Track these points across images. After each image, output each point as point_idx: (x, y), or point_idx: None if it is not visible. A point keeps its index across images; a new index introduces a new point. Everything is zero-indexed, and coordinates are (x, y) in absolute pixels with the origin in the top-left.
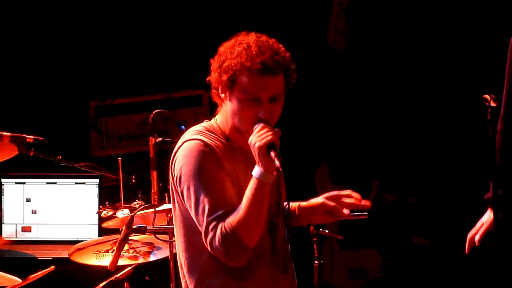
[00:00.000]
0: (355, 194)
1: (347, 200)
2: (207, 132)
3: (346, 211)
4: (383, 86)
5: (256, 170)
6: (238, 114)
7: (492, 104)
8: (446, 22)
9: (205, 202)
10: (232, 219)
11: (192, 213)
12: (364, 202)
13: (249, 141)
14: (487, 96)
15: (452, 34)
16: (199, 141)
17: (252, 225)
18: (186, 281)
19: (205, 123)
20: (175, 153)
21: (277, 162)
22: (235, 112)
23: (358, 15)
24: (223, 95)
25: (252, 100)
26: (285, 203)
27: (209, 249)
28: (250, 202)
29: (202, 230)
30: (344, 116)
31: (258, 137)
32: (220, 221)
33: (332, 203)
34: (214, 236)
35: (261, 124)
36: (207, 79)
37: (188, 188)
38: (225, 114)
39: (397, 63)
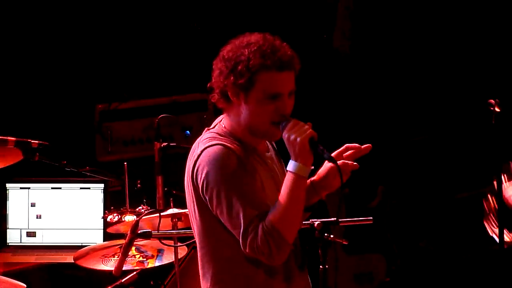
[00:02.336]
0: (352, 145)
1: (348, 153)
2: (221, 137)
3: (353, 163)
4: (386, 90)
5: (294, 165)
6: (258, 113)
7: (497, 109)
8: (451, 27)
9: (238, 205)
10: (272, 217)
11: (225, 218)
12: (365, 147)
13: (285, 136)
14: (492, 101)
15: (456, 41)
16: (220, 146)
17: (292, 220)
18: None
19: (215, 130)
20: (196, 162)
21: (327, 154)
22: (254, 111)
23: (363, 18)
24: (235, 98)
25: (272, 97)
26: None
27: (248, 251)
28: (289, 197)
29: (240, 233)
30: (348, 119)
31: (296, 131)
32: (259, 222)
33: (337, 163)
34: (255, 236)
35: (294, 119)
36: (209, 85)
37: (218, 194)
38: (235, 117)
39: (403, 69)
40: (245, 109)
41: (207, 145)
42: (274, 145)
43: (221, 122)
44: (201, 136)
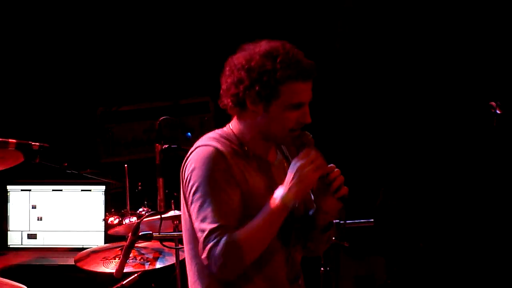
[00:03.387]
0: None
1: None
2: (221, 139)
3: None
4: (387, 92)
5: (284, 194)
6: (279, 121)
7: (498, 111)
8: (452, 28)
9: (209, 210)
10: (241, 234)
11: (194, 217)
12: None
13: (295, 163)
14: (493, 103)
15: (457, 42)
16: (212, 148)
17: (260, 245)
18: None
19: (220, 130)
20: (187, 157)
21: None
22: (275, 120)
23: (363, 19)
24: (253, 106)
25: (295, 106)
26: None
27: (204, 257)
28: (265, 222)
29: (202, 237)
30: (350, 122)
31: (308, 165)
32: (224, 232)
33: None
34: (216, 244)
35: (317, 154)
36: (221, 92)
37: (194, 193)
38: (248, 123)
39: (403, 71)
40: (264, 116)
41: (201, 143)
42: (285, 150)
43: (230, 125)
44: (207, 134)
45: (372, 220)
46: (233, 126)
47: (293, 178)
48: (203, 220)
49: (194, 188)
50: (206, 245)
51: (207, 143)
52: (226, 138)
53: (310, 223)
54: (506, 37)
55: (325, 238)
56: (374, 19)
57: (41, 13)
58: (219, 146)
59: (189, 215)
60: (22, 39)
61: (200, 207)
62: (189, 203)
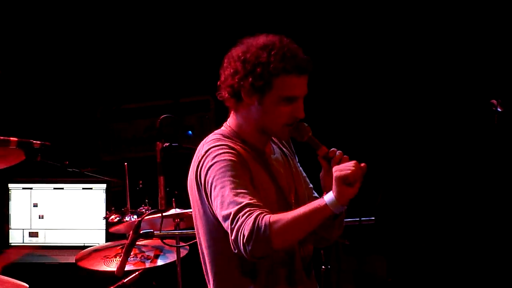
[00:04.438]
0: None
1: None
2: (226, 138)
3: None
4: (386, 90)
5: (331, 198)
6: (272, 114)
7: (499, 109)
8: (453, 26)
9: (231, 195)
10: (277, 217)
11: (218, 210)
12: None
13: (335, 172)
14: (495, 101)
15: (457, 40)
16: (224, 146)
17: (291, 235)
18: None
19: (219, 131)
20: (200, 161)
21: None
22: (268, 112)
23: (365, 15)
24: (248, 98)
25: (288, 100)
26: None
27: (231, 236)
28: (305, 215)
29: (229, 219)
30: (351, 118)
31: (348, 169)
32: (252, 208)
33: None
34: (245, 221)
35: (339, 151)
36: (219, 83)
37: (215, 188)
38: (244, 116)
39: (404, 69)
40: (258, 109)
41: (211, 145)
42: (284, 145)
43: (227, 122)
44: (207, 137)
45: (373, 218)
46: (230, 122)
47: (336, 188)
48: (226, 207)
49: (214, 185)
50: (235, 225)
51: (215, 144)
52: (227, 137)
53: None
54: (507, 34)
55: (337, 224)
56: (374, 16)
57: (44, 13)
58: (228, 144)
59: (207, 218)
60: (24, 37)
61: (222, 197)
62: (212, 200)
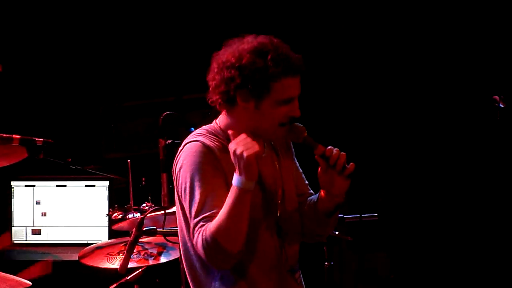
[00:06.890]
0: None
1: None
2: (209, 134)
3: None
4: (387, 88)
5: (238, 179)
6: (270, 116)
7: (502, 105)
8: (455, 23)
9: (195, 204)
10: (212, 226)
11: (187, 213)
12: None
13: (231, 148)
14: (497, 97)
15: (459, 36)
16: (198, 142)
17: (233, 233)
18: (193, 285)
19: (207, 126)
20: (176, 156)
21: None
22: (266, 115)
23: (362, 13)
24: (244, 103)
25: (286, 101)
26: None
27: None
28: (230, 210)
29: (191, 233)
30: (352, 115)
31: (243, 145)
32: (204, 224)
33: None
34: (197, 239)
35: (244, 135)
36: (210, 89)
37: (185, 189)
38: (236, 119)
39: (405, 66)
40: (255, 113)
41: (188, 140)
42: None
43: (218, 120)
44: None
45: (376, 214)
46: (220, 121)
47: (238, 164)
48: (191, 217)
49: (183, 185)
50: (193, 241)
51: (193, 139)
52: (213, 133)
53: (314, 210)
54: (510, 30)
55: (332, 221)
56: (373, 12)
57: (47, 11)
58: (205, 141)
59: (182, 213)
60: (26, 36)
61: (190, 203)
62: (182, 200)
